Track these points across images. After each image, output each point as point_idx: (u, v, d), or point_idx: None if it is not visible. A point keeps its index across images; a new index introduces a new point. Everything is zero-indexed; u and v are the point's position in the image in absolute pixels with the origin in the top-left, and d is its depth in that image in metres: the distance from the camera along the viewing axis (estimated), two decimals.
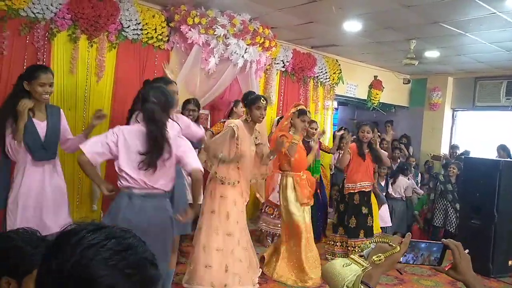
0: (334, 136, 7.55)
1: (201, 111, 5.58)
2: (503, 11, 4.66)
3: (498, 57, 6.89)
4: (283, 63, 6.69)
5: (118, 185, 2.78)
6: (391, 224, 6.42)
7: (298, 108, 4.59)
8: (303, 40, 6.65)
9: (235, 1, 5.05)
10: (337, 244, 5.22)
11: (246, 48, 5.53)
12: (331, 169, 7.39)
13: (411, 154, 8.42)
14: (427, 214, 7.01)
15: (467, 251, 1.27)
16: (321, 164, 6.41)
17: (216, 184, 3.85)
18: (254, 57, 5.68)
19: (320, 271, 4.14)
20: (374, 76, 8.45)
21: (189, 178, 4.46)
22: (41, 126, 3.12)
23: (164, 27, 5.22)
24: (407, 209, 7.09)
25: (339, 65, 7.60)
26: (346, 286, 1.13)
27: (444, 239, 1.27)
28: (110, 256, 0.81)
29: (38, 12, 4.33)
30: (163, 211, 2.82)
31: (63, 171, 3.37)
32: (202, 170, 2.83)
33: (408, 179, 7.06)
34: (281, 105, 6.84)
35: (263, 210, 5.63)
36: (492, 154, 7.28)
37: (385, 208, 6.16)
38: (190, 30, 5.13)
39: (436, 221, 6.54)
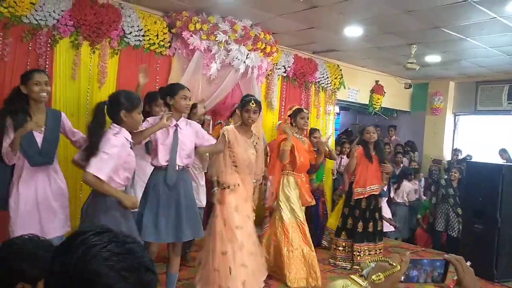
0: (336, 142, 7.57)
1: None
2: (504, 15, 4.67)
3: (499, 62, 6.89)
4: (285, 68, 6.71)
5: None
6: (394, 229, 6.40)
7: (294, 108, 4.74)
8: (304, 45, 6.67)
9: (237, 7, 5.07)
10: (339, 248, 5.20)
11: (248, 54, 5.54)
12: (333, 174, 7.38)
13: (415, 159, 8.41)
14: (429, 218, 6.99)
15: (468, 263, 1.23)
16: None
17: (219, 190, 3.89)
18: (256, 62, 5.70)
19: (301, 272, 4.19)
20: (376, 81, 8.46)
21: (199, 181, 4.54)
22: (38, 132, 3.14)
23: (166, 33, 5.24)
24: (410, 214, 7.08)
25: (341, 70, 7.60)
26: None
27: (445, 255, 1.23)
28: (109, 257, 0.85)
29: (40, 19, 4.35)
30: None
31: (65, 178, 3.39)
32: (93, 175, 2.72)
33: (409, 183, 7.05)
34: (282, 110, 6.84)
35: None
36: (494, 158, 7.27)
37: (388, 212, 6.15)
38: (191, 36, 5.14)
39: (438, 226, 6.51)
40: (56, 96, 4.53)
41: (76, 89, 4.71)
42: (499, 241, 5.04)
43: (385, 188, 6.52)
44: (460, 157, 8.18)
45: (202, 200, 4.57)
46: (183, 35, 5.15)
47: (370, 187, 5.12)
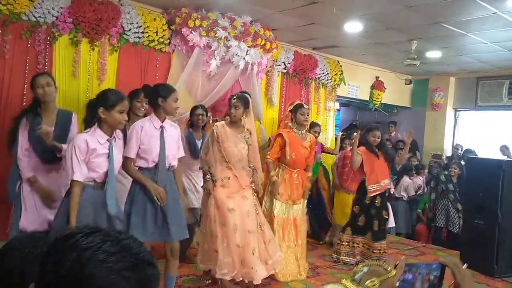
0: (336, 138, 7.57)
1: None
2: (505, 11, 4.66)
3: (500, 57, 6.88)
4: (285, 64, 6.70)
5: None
6: (394, 225, 6.40)
7: (295, 103, 4.73)
8: (304, 41, 6.66)
9: (236, 3, 5.05)
10: (343, 243, 5.16)
11: (247, 50, 5.53)
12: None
13: (417, 155, 8.40)
14: (429, 214, 7.00)
15: (465, 265, 1.18)
16: (322, 166, 6.39)
17: (208, 184, 3.95)
18: (256, 59, 5.69)
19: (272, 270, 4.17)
20: (376, 77, 8.45)
21: (195, 181, 4.56)
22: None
23: (165, 30, 5.23)
24: (411, 210, 7.09)
25: (341, 66, 7.59)
26: None
27: (441, 259, 1.17)
28: (105, 258, 0.81)
29: (39, 16, 4.34)
30: None
31: None
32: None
33: (410, 178, 7.05)
34: (282, 106, 6.84)
35: None
36: (494, 154, 7.27)
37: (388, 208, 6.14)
38: (191, 32, 5.13)
39: (438, 222, 6.51)
40: (54, 89, 4.51)
41: (76, 86, 4.71)
42: (499, 236, 5.03)
43: None
44: (460, 152, 8.17)
45: (193, 201, 4.57)
46: (182, 32, 5.14)
47: (383, 182, 5.05)
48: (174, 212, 3.32)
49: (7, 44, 4.23)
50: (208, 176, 3.92)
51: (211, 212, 3.84)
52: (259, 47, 5.65)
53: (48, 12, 4.37)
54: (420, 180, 7.27)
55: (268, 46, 5.75)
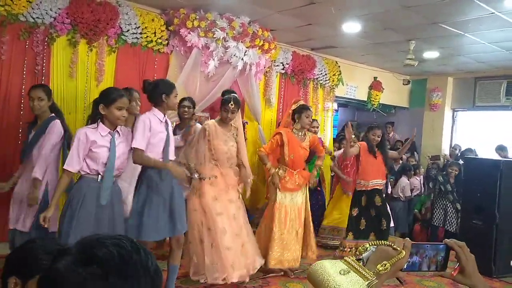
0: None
1: (201, 114, 5.61)
2: (502, 11, 4.66)
3: (498, 57, 6.89)
4: (283, 65, 6.70)
5: None
6: (393, 225, 6.41)
7: (299, 103, 4.63)
8: (302, 42, 6.66)
9: (234, 4, 5.05)
10: (346, 250, 5.10)
11: (246, 51, 5.53)
12: (331, 170, 7.37)
13: (415, 155, 8.41)
14: (427, 215, 7.01)
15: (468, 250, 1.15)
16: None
17: (196, 183, 3.97)
18: (254, 59, 5.69)
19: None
20: (374, 77, 8.45)
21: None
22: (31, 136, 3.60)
23: (164, 30, 5.23)
24: (408, 210, 7.09)
25: (339, 66, 7.59)
26: None
27: (447, 240, 1.13)
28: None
29: (37, 17, 4.34)
30: None
31: None
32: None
33: (408, 179, 7.05)
34: (281, 107, 6.84)
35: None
36: (492, 154, 7.27)
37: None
38: (189, 33, 5.13)
39: (436, 221, 6.52)
40: (54, 94, 4.50)
41: (74, 87, 4.71)
42: (497, 236, 5.05)
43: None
44: (458, 152, 8.16)
45: None
46: (180, 33, 5.13)
47: (373, 181, 5.07)
48: (180, 207, 3.45)
49: (4, 45, 4.23)
50: (197, 175, 3.93)
51: (198, 218, 3.86)
52: (257, 47, 5.65)
53: (46, 13, 4.36)
54: (417, 180, 7.28)
55: (266, 46, 5.75)
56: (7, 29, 4.23)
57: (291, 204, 4.56)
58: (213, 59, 5.34)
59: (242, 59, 5.52)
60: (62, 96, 4.61)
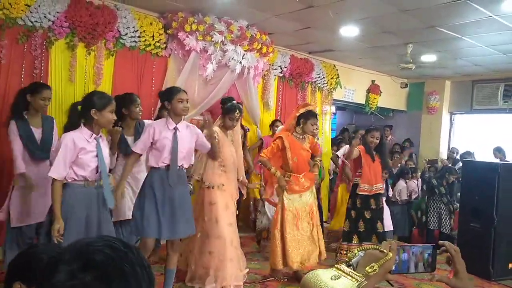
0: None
1: (199, 117, 5.61)
2: (499, 14, 4.69)
3: (495, 60, 6.92)
4: (281, 68, 6.71)
5: None
6: (392, 228, 6.41)
7: (308, 109, 4.46)
8: (300, 45, 6.67)
9: (232, 8, 5.06)
10: (347, 254, 5.09)
11: (244, 54, 5.54)
12: (330, 174, 7.39)
13: (413, 158, 8.41)
14: (422, 218, 7.03)
15: None
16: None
17: (204, 191, 3.98)
18: (252, 63, 5.70)
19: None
20: (372, 81, 8.48)
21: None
22: (37, 132, 3.69)
23: (162, 34, 5.23)
24: (408, 213, 7.10)
25: (337, 70, 7.62)
26: None
27: (441, 241, 1.18)
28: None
29: (35, 21, 4.34)
30: None
31: None
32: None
33: (406, 182, 7.06)
34: (279, 110, 6.85)
35: (258, 209, 5.62)
36: (490, 157, 7.29)
37: (387, 212, 6.14)
38: (187, 37, 5.14)
39: (431, 225, 6.53)
40: (52, 97, 4.51)
41: (72, 90, 4.70)
42: (495, 239, 5.05)
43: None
44: (456, 156, 8.18)
45: None
46: (179, 36, 5.14)
47: (376, 186, 5.03)
48: (182, 210, 3.44)
49: (3, 49, 4.23)
50: (208, 183, 3.96)
51: (205, 226, 3.92)
52: (256, 51, 5.67)
53: (45, 16, 4.36)
54: (414, 183, 7.29)
55: (264, 50, 5.76)
56: (6, 33, 4.23)
57: (300, 203, 4.47)
58: (211, 63, 5.35)
59: (240, 62, 5.53)
60: (60, 99, 4.60)
